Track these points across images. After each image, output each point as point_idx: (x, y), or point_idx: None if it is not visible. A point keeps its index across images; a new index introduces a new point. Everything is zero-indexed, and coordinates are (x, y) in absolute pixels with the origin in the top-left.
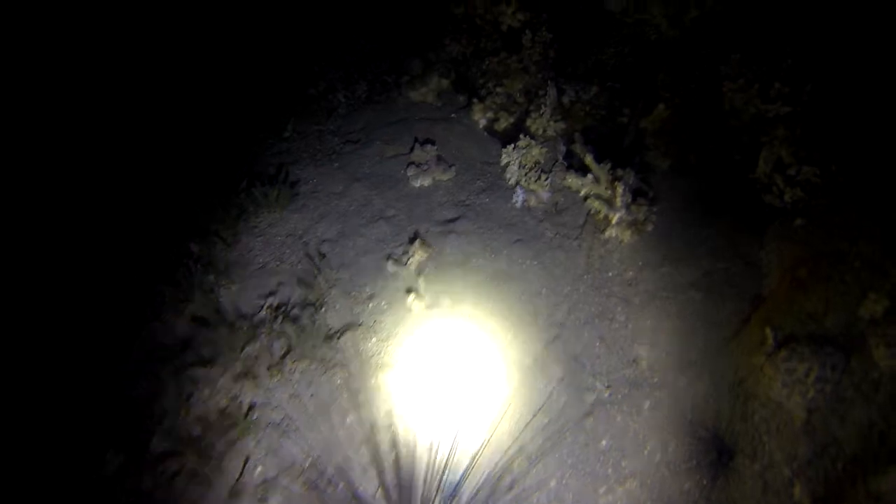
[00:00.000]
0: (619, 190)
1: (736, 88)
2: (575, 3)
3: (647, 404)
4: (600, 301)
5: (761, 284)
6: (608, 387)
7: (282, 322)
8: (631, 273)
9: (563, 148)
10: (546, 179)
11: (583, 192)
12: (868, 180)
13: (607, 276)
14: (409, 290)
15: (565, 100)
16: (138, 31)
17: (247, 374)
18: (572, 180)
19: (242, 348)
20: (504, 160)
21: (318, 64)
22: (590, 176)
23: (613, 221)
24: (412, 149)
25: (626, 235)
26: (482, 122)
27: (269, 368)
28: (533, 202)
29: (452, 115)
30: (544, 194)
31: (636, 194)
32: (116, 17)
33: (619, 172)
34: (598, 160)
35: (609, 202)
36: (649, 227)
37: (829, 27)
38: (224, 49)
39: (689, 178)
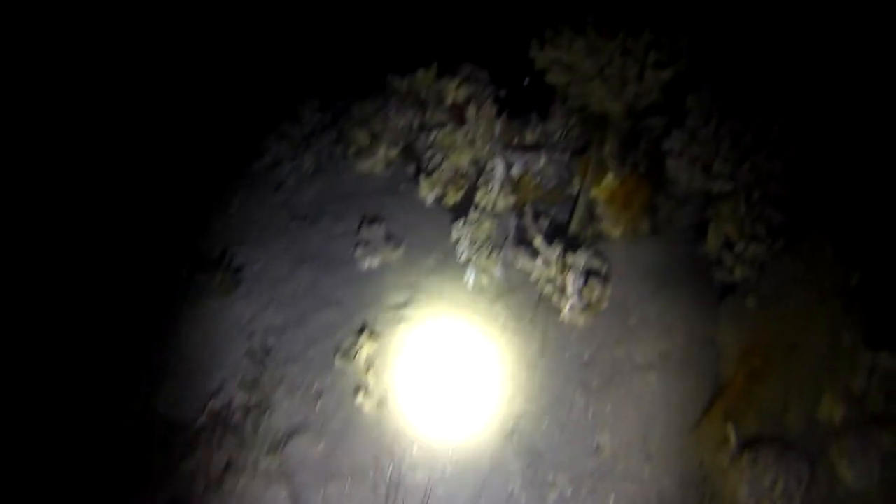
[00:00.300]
0: (570, 278)
1: (679, 166)
2: (519, 78)
3: (612, 498)
4: (558, 386)
5: (718, 368)
6: (571, 480)
7: (222, 432)
8: (587, 354)
9: (514, 221)
10: (498, 256)
11: (533, 276)
12: (811, 260)
13: (563, 359)
14: (357, 388)
15: (514, 172)
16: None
17: (181, 498)
18: (523, 262)
19: (177, 466)
20: (454, 236)
21: (264, 137)
22: (540, 259)
23: (566, 309)
24: (360, 226)
25: (581, 319)
26: (430, 199)
27: (205, 488)
28: (485, 281)
29: (401, 187)
30: (496, 272)
31: (589, 273)
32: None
33: (570, 259)
34: (552, 235)
35: (561, 289)
36: (604, 305)
37: (768, 102)
38: (166, 123)
39: (641, 246)
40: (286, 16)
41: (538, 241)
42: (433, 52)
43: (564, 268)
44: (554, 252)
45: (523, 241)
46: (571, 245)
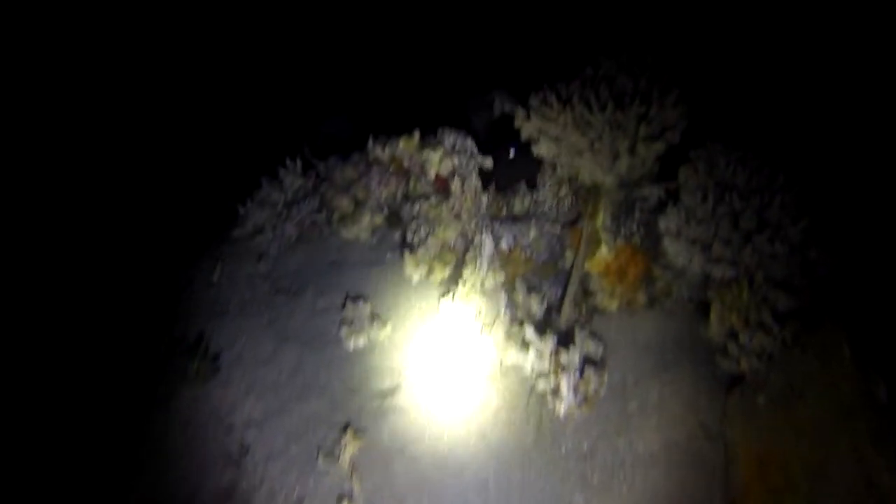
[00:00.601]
0: (564, 379)
1: (677, 248)
2: (504, 149)
3: None
4: (555, 484)
5: (730, 470)
6: None
7: None
8: (585, 446)
9: (504, 298)
10: (489, 335)
11: (526, 369)
12: (825, 358)
13: (560, 453)
14: (341, 496)
15: (503, 246)
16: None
17: None
18: (514, 356)
19: None
20: (443, 313)
21: (244, 204)
22: (532, 351)
23: (561, 411)
24: (345, 303)
25: (577, 413)
26: (416, 278)
27: None
28: (476, 363)
29: (388, 256)
30: (488, 353)
31: (585, 361)
32: None
33: (563, 357)
34: (545, 316)
35: (555, 390)
36: (602, 393)
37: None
38: (138, 187)
39: (639, 320)
40: (264, 77)
41: (529, 333)
42: (416, 116)
43: (558, 367)
44: (547, 345)
45: (515, 319)
46: (565, 337)
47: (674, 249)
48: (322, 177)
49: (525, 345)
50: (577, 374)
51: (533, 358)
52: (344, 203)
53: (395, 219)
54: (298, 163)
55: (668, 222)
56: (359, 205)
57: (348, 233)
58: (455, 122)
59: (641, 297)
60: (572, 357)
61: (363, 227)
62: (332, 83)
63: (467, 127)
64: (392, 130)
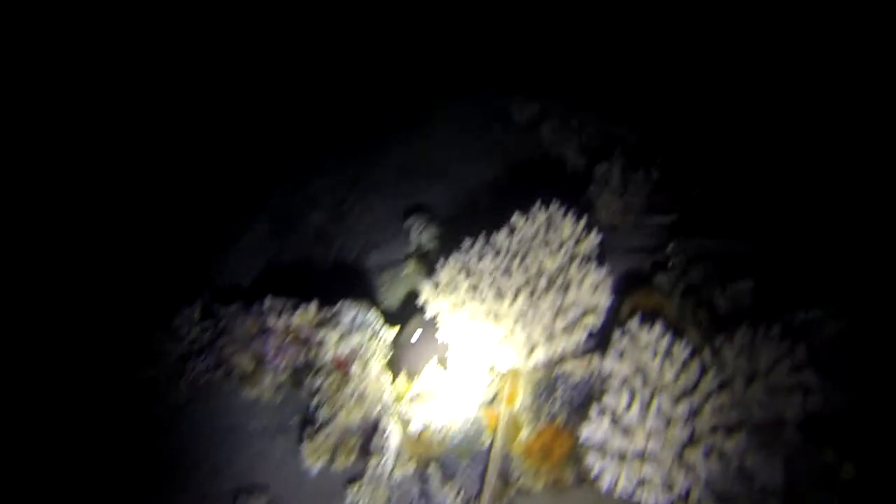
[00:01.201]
0: None
1: (604, 466)
2: (409, 324)
3: None
4: None
5: None
6: None
7: None
8: None
9: (417, 487)
10: None
11: None
12: None
13: None
14: None
15: (412, 428)
16: None
17: None
18: None
19: None
20: (349, 500)
21: (134, 354)
22: None
23: None
24: (238, 496)
25: None
26: (316, 468)
27: None
28: None
29: (292, 421)
30: None
31: None
32: None
33: None
34: None
35: None
36: None
37: None
38: (30, 343)
39: (567, 501)
40: (163, 213)
41: None
42: (313, 285)
43: None
44: None
45: None
46: None
47: (598, 466)
48: (221, 328)
49: None
50: None
51: None
52: (244, 361)
53: (299, 377)
54: (196, 309)
55: (590, 433)
56: (260, 363)
57: (249, 393)
58: (358, 285)
59: (569, 476)
60: None
61: (265, 388)
62: (232, 224)
63: (371, 292)
64: (296, 285)
